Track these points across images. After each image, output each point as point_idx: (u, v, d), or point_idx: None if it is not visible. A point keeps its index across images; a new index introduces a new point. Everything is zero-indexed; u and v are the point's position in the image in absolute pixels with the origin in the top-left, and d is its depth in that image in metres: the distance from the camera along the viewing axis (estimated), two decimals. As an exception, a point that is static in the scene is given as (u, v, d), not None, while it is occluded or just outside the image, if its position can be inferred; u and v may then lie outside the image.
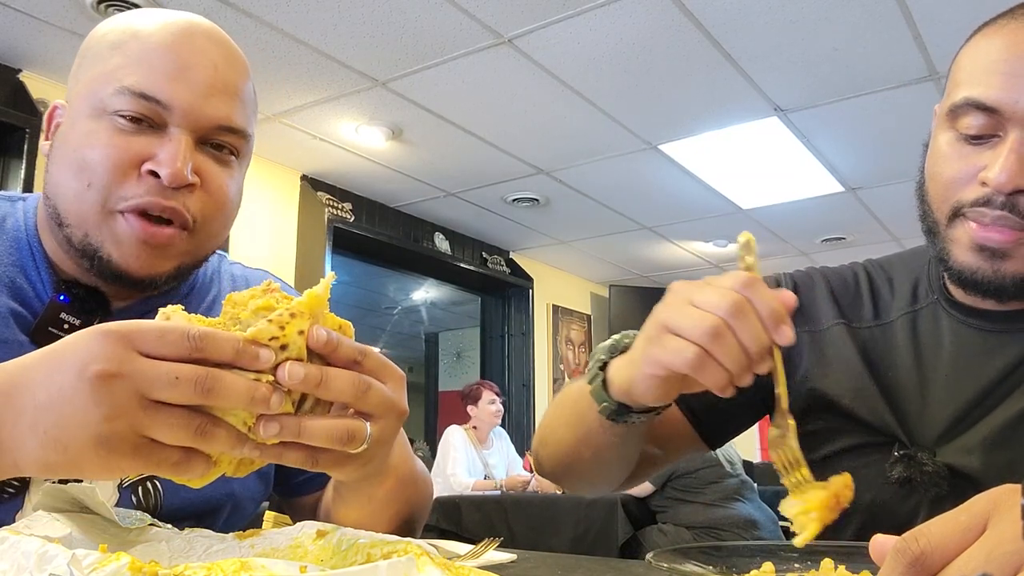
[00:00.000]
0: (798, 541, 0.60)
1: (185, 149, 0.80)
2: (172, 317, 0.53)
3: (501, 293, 6.28)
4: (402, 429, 0.87)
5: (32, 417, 0.51)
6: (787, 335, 0.64)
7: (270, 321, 0.52)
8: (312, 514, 0.94)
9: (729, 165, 4.49)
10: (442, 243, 5.58)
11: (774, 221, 5.36)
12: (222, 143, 0.84)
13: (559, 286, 6.72)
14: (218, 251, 1.02)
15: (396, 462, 0.78)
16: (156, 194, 0.79)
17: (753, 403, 0.94)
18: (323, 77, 3.50)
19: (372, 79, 3.52)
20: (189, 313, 0.54)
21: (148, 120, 0.80)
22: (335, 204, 4.72)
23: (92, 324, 0.82)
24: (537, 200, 5.05)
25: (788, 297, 0.65)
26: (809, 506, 0.61)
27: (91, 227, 0.80)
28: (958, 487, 0.83)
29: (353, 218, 4.82)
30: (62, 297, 0.83)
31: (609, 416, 0.79)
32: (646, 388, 0.71)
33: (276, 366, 0.52)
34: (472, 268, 5.78)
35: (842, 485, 0.61)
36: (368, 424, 0.57)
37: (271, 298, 0.55)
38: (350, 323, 0.59)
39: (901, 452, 0.87)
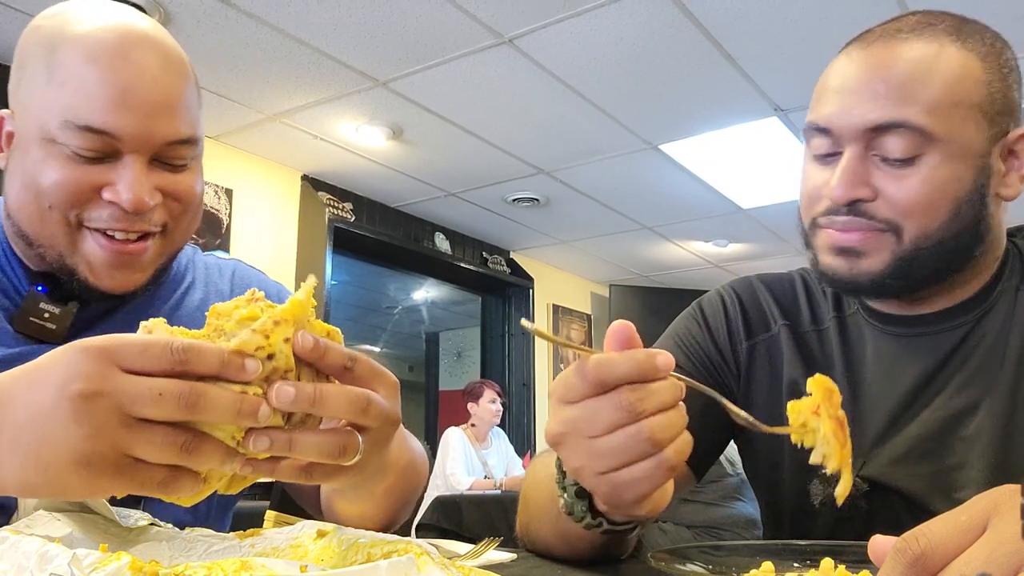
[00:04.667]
0: (839, 492, 0.60)
1: (141, 174, 0.80)
2: (154, 330, 0.51)
3: (501, 293, 6.28)
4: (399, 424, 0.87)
5: (12, 435, 0.49)
6: (668, 361, 0.58)
7: (254, 331, 0.50)
8: (315, 498, 0.94)
9: (729, 165, 4.49)
10: (442, 243, 5.58)
11: (774, 221, 5.36)
12: (175, 158, 0.84)
13: (559, 286, 6.72)
14: (192, 244, 1.04)
15: (394, 459, 0.78)
16: (121, 220, 0.80)
17: (723, 425, 0.90)
18: (323, 77, 3.50)
19: (372, 79, 3.52)
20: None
21: (99, 151, 0.79)
22: (336, 204, 4.72)
23: (71, 311, 0.85)
24: (537, 200, 5.05)
25: (619, 331, 0.60)
26: (831, 457, 0.60)
27: (63, 248, 0.81)
28: (885, 503, 0.83)
29: (354, 218, 4.83)
30: (40, 287, 0.85)
31: (607, 531, 0.71)
32: (638, 513, 0.64)
33: (266, 379, 0.51)
34: (472, 268, 5.78)
35: (824, 395, 0.60)
36: (361, 437, 0.55)
37: (255, 307, 0.52)
38: (338, 330, 0.57)
39: (822, 471, 0.86)
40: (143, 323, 0.52)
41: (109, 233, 0.81)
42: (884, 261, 0.82)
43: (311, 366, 0.53)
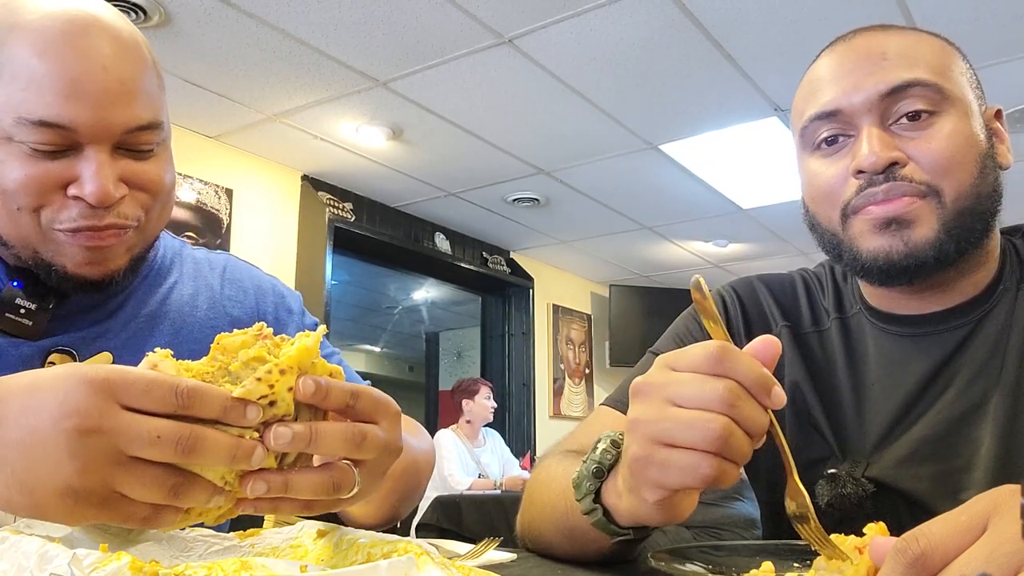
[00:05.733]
0: None
1: (104, 166, 0.77)
2: (160, 365, 0.51)
3: (501, 293, 6.28)
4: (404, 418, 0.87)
5: (1, 455, 0.48)
6: (780, 398, 0.58)
7: (259, 380, 0.50)
8: None
9: (729, 165, 4.49)
10: (443, 243, 5.58)
11: (774, 221, 5.36)
12: (140, 144, 0.81)
13: (559, 286, 6.72)
14: (180, 239, 1.02)
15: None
16: (89, 217, 0.78)
17: None
18: (323, 77, 3.50)
19: (372, 79, 3.52)
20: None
21: (58, 145, 0.76)
22: (336, 204, 4.72)
23: (47, 307, 0.84)
24: (537, 200, 5.05)
25: (769, 348, 0.59)
26: None
27: (37, 245, 0.80)
28: (889, 505, 0.83)
29: (354, 218, 4.82)
30: (16, 283, 0.83)
31: (620, 539, 0.70)
32: (656, 514, 0.63)
33: (263, 422, 0.50)
34: (473, 268, 5.78)
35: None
36: (357, 471, 0.55)
37: (262, 348, 0.52)
38: (341, 368, 0.56)
39: (827, 472, 0.86)
40: (148, 355, 0.52)
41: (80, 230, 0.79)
42: (934, 228, 0.79)
43: (310, 405, 0.53)
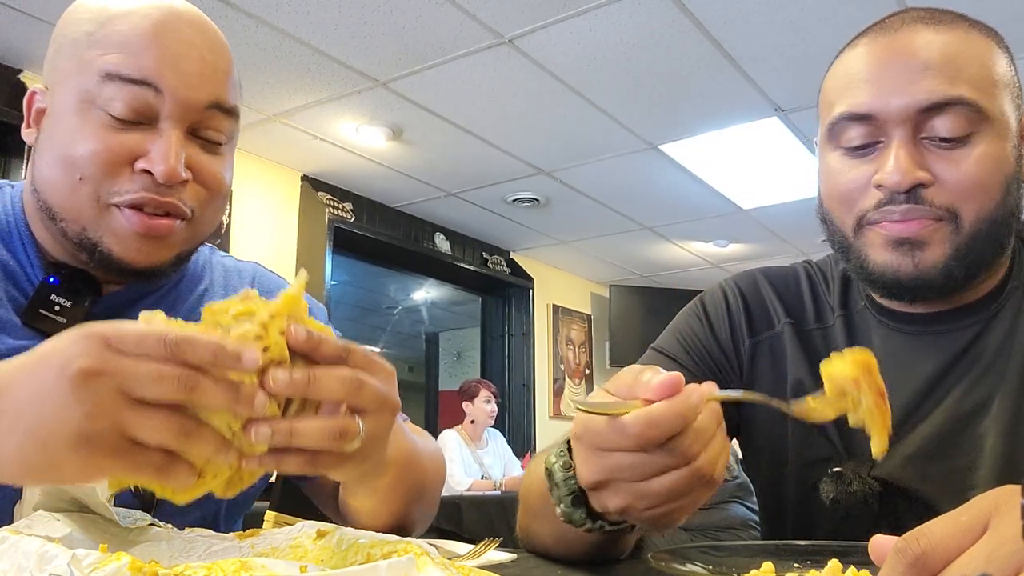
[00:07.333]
0: (875, 451, 0.61)
1: (177, 144, 0.79)
2: (152, 322, 0.52)
3: (501, 293, 6.28)
4: (400, 418, 0.87)
5: (12, 417, 0.50)
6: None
7: (250, 325, 0.52)
8: (333, 496, 0.94)
9: (729, 165, 4.49)
10: (442, 243, 5.58)
11: (774, 221, 5.36)
12: (212, 131, 0.83)
13: (559, 286, 6.72)
14: (209, 244, 1.02)
15: (393, 453, 0.78)
16: (151, 191, 0.79)
17: (729, 424, 0.90)
18: (323, 77, 3.50)
19: (372, 79, 3.52)
20: (174, 315, 0.54)
21: (138, 112, 0.78)
22: (335, 204, 4.72)
23: (83, 305, 0.83)
24: (537, 200, 5.05)
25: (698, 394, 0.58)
26: (874, 431, 0.61)
27: (87, 222, 0.80)
28: (893, 506, 0.82)
29: (353, 218, 4.82)
30: (52, 279, 0.83)
31: (608, 532, 0.69)
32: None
33: (261, 370, 0.51)
34: (472, 268, 5.78)
35: (863, 370, 0.61)
36: (361, 421, 0.56)
37: (251, 304, 0.53)
38: (330, 329, 0.57)
39: (833, 470, 0.85)
40: (143, 313, 0.53)
41: (137, 208, 0.79)
42: (945, 252, 0.78)
43: (304, 359, 0.54)
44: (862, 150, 0.81)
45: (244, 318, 0.53)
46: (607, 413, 0.57)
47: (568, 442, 0.67)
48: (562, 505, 0.67)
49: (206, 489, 0.53)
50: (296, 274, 0.57)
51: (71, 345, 0.49)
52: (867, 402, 0.61)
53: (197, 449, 0.50)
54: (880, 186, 0.79)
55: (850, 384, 0.61)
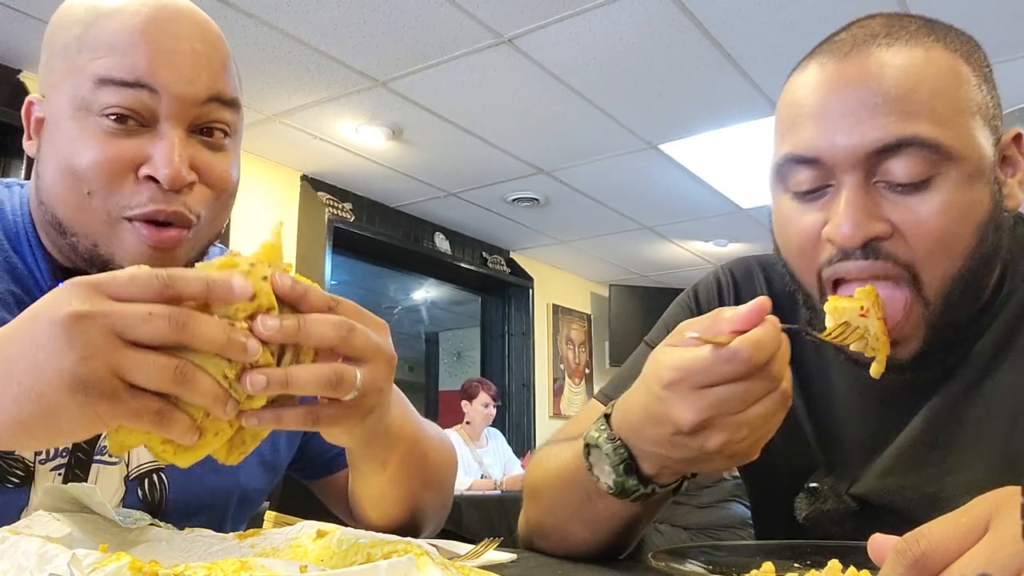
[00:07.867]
0: (874, 370, 0.70)
1: (179, 146, 0.77)
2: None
3: (501, 293, 6.28)
4: (404, 396, 0.86)
5: (5, 371, 0.50)
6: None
7: (235, 268, 0.52)
8: (343, 494, 0.93)
9: (729, 165, 4.49)
10: (442, 243, 5.58)
11: (774, 221, 5.36)
12: (214, 125, 0.81)
13: (559, 286, 6.72)
14: (219, 245, 1.01)
15: (400, 422, 0.78)
16: (159, 201, 0.77)
17: None
18: (323, 77, 3.50)
19: (372, 79, 3.52)
20: None
21: (136, 116, 0.76)
22: (335, 204, 4.72)
23: None
24: (537, 200, 5.05)
25: (755, 311, 0.61)
26: (880, 353, 0.70)
27: (100, 238, 0.78)
28: (873, 524, 0.79)
29: (353, 218, 4.82)
30: (60, 284, 0.83)
31: (638, 497, 0.71)
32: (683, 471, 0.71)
33: (250, 317, 0.51)
34: (472, 268, 5.78)
35: (871, 300, 0.69)
36: (357, 369, 0.56)
37: (232, 257, 0.54)
38: (317, 285, 0.57)
39: (809, 485, 0.83)
40: (129, 268, 0.54)
41: (149, 220, 0.78)
42: (918, 341, 0.72)
43: (293, 309, 0.54)
44: (812, 194, 0.73)
45: (227, 268, 0.53)
46: (712, 341, 0.60)
47: (607, 417, 0.71)
48: (614, 476, 0.69)
49: (208, 450, 0.54)
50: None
51: (60, 294, 0.50)
52: (875, 328, 0.69)
53: (194, 395, 0.50)
54: (830, 240, 0.71)
55: (857, 316, 0.68)
